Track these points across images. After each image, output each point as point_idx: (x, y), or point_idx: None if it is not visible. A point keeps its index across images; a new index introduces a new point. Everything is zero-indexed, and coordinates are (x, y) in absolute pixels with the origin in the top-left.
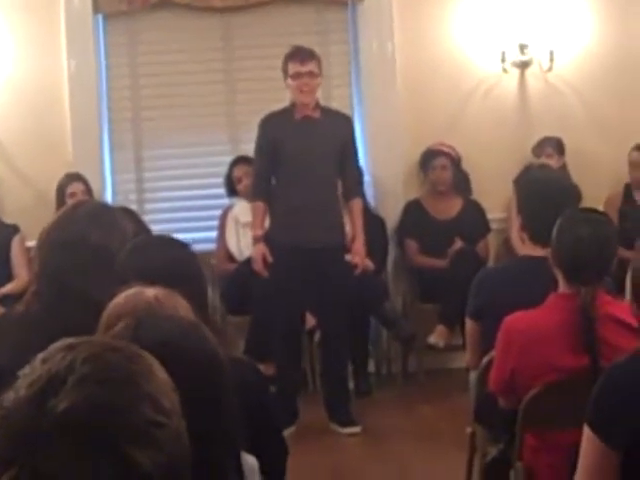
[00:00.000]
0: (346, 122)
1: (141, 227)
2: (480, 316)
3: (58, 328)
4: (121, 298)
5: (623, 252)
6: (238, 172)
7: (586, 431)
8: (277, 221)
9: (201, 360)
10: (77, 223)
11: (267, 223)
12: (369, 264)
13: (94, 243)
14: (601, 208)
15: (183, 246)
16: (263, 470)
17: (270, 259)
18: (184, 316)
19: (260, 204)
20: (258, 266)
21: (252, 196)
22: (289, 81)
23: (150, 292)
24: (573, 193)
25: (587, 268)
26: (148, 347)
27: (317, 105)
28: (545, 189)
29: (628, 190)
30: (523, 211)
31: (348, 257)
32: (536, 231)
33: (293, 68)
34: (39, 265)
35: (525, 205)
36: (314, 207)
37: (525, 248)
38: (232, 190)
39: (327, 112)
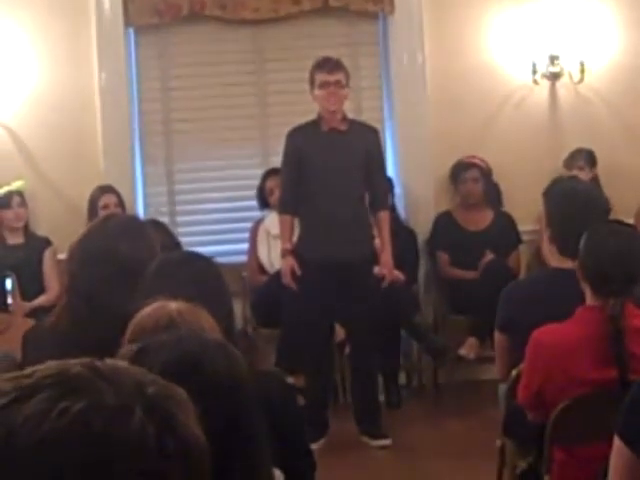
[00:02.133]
0: (373, 134)
1: (171, 240)
2: (508, 329)
3: (87, 342)
4: (145, 312)
5: None
6: (270, 184)
7: (616, 442)
8: (305, 234)
9: (219, 380)
10: (106, 236)
11: (296, 236)
12: (399, 275)
13: (123, 256)
14: (632, 221)
15: (207, 261)
16: None
17: (299, 272)
18: (207, 333)
19: (287, 217)
20: (287, 280)
21: (280, 210)
22: (316, 91)
23: (173, 306)
24: (602, 205)
25: (614, 281)
26: (168, 370)
27: (344, 117)
28: (573, 201)
29: None
30: (552, 224)
31: (376, 269)
32: (564, 244)
33: (320, 77)
34: (69, 278)
35: (554, 218)
36: (341, 220)
37: (554, 260)
38: (264, 202)
39: (353, 124)
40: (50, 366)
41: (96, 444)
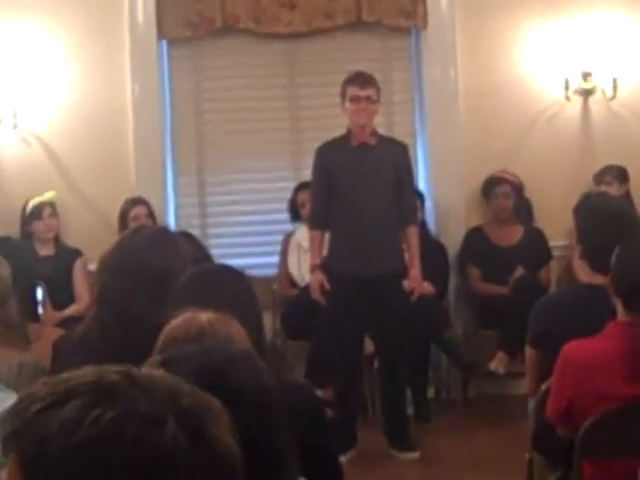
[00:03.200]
0: (402, 149)
1: (202, 251)
2: (539, 343)
3: (117, 352)
4: (175, 322)
5: None
6: (302, 197)
7: None
8: (334, 248)
9: (246, 392)
10: (138, 248)
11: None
12: (428, 288)
13: (153, 268)
14: None
15: (238, 273)
16: None
17: (328, 287)
18: (237, 344)
19: (317, 233)
20: (316, 294)
21: (310, 225)
22: (347, 105)
23: (204, 317)
24: (633, 220)
25: None
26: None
27: (373, 132)
28: (604, 217)
29: None
30: (582, 239)
31: (405, 283)
32: (595, 259)
33: (351, 92)
34: (99, 289)
35: (584, 233)
36: (371, 234)
37: (585, 276)
38: (296, 215)
39: (383, 139)
40: (87, 372)
41: (127, 453)
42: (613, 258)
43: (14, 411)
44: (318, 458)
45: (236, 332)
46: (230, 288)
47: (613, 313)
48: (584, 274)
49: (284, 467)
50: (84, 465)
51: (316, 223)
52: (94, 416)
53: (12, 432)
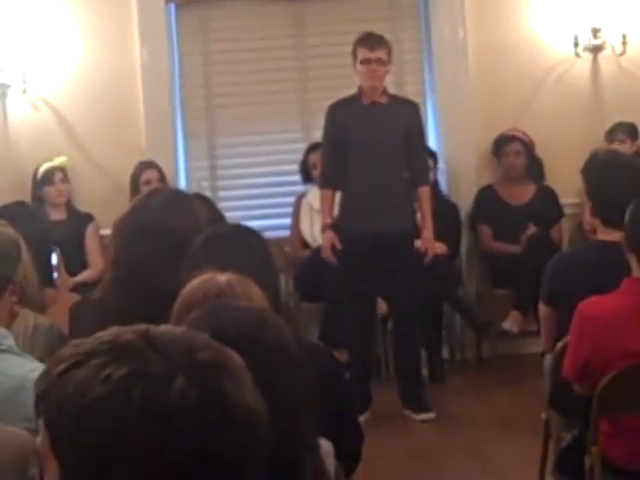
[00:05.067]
0: (413, 108)
1: (216, 214)
2: (554, 301)
3: (135, 314)
4: (193, 284)
5: None
6: (313, 158)
7: None
8: (345, 208)
9: (277, 350)
10: (153, 211)
11: (336, 210)
12: (442, 248)
13: (170, 230)
14: None
15: (255, 234)
16: (339, 454)
17: (339, 246)
18: (257, 305)
19: (328, 192)
20: (327, 254)
21: (320, 184)
22: (358, 66)
23: (222, 278)
24: None
25: None
26: (227, 339)
27: (384, 91)
28: (613, 172)
29: None
30: (593, 197)
31: (417, 244)
32: (608, 215)
33: (362, 54)
34: (115, 252)
35: (594, 191)
36: (382, 193)
37: (599, 233)
38: (307, 176)
39: (394, 98)
40: (107, 333)
41: (135, 411)
42: (627, 215)
43: (42, 374)
44: (340, 418)
45: (254, 293)
46: (247, 249)
47: (629, 269)
48: (598, 231)
49: (304, 425)
50: (96, 423)
51: (327, 182)
52: (104, 375)
53: (39, 395)
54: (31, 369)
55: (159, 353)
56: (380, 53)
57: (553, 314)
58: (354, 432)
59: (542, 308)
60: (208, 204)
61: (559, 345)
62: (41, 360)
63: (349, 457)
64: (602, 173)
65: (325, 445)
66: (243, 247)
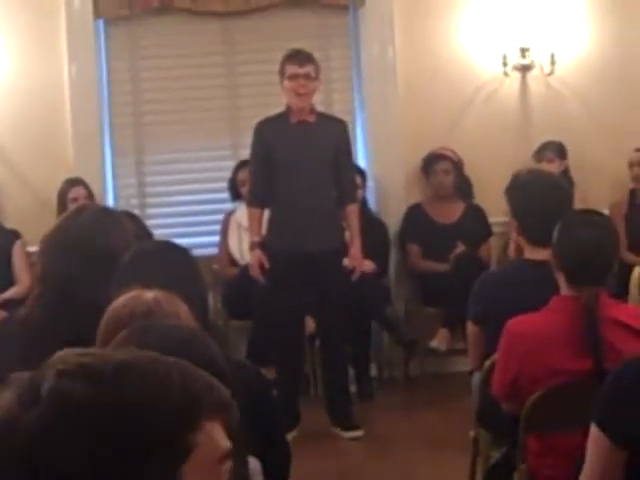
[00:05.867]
0: (341, 127)
1: (143, 231)
2: (481, 320)
3: (62, 332)
4: (120, 301)
5: (630, 257)
6: (242, 176)
7: (593, 431)
8: (273, 226)
9: (203, 366)
10: (81, 227)
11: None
12: (369, 265)
13: (98, 247)
14: (606, 212)
15: (183, 251)
16: (266, 473)
17: (267, 265)
18: (184, 322)
19: (256, 210)
20: (255, 272)
21: (248, 202)
22: (285, 83)
23: (149, 295)
24: (563, 191)
25: (589, 270)
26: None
27: (312, 109)
28: (536, 191)
29: (633, 195)
30: (518, 217)
31: (346, 262)
32: (533, 233)
33: (290, 69)
34: (42, 269)
35: (519, 210)
36: (310, 212)
37: (526, 252)
38: (236, 194)
39: (322, 117)
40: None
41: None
42: (554, 234)
43: None
44: (268, 436)
45: (182, 311)
46: (174, 265)
47: (555, 288)
48: (525, 250)
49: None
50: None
51: (255, 200)
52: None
53: None
54: None
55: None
56: (308, 69)
57: (481, 333)
58: (282, 450)
59: (470, 327)
60: (136, 221)
61: (487, 363)
62: None
63: (277, 475)
64: (525, 193)
65: (253, 463)
66: (171, 264)
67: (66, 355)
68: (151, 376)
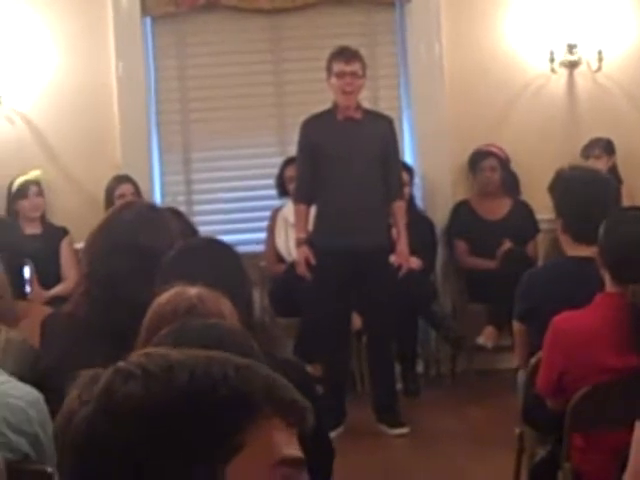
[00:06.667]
0: (387, 123)
1: (189, 228)
2: (527, 317)
3: (106, 329)
4: (163, 298)
5: None
6: (289, 172)
7: (638, 428)
8: (320, 224)
9: None
10: (124, 224)
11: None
12: (416, 262)
13: (141, 244)
14: None
15: (228, 248)
16: (310, 470)
17: (313, 262)
18: (227, 319)
19: (302, 207)
20: (301, 269)
21: (295, 199)
22: (332, 80)
23: (192, 291)
24: (609, 187)
25: (635, 266)
26: None
27: (359, 106)
28: (580, 188)
29: None
30: (562, 214)
31: (392, 258)
32: (578, 231)
33: (337, 67)
34: (87, 267)
35: (563, 207)
36: (356, 209)
37: (569, 250)
38: (283, 191)
39: (368, 113)
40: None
41: None
42: (601, 230)
43: None
44: (310, 435)
45: (226, 308)
46: (219, 262)
47: (600, 284)
48: (568, 248)
49: None
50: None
51: (301, 197)
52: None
53: None
54: (1, 382)
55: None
56: (355, 67)
57: (527, 331)
58: (325, 448)
59: (515, 325)
60: (181, 218)
61: (532, 360)
62: (12, 374)
63: (320, 473)
64: (568, 189)
65: None
66: (215, 260)
67: (132, 355)
68: (201, 374)
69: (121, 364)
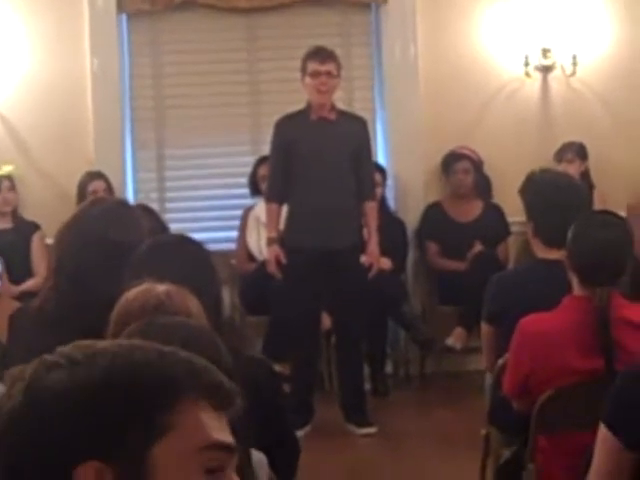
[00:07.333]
0: (361, 124)
1: (159, 225)
2: (495, 319)
3: (74, 324)
4: (132, 294)
5: None
6: (262, 171)
7: (602, 431)
8: (291, 223)
9: None
10: (94, 220)
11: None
12: (387, 263)
13: (111, 240)
14: (624, 214)
15: (198, 245)
16: (275, 468)
17: (284, 261)
18: (195, 317)
19: (274, 206)
20: (272, 268)
21: (267, 198)
22: (307, 80)
23: (161, 288)
24: (577, 191)
25: (602, 270)
26: None
27: (333, 107)
28: (550, 191)
29: None
30: (532, 217)
31: (363, 258)
32: (547, 234)
33: (312, 67)
34: (56, 261)
35: (533, 211)
36: (328, 208)
37: (540, 252)
38: (256, 189)
39: (342, 114)
40: None
41: None
42: (569, 234)
43: None
44: (274, 432)
45: (193, 306)
46: (189, 260)
47: (569, 288)
48: (538, 251)
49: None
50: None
51: (273, 196)
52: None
53: None
54: None
55: None
56: (330, 66)
57: (495, 333)
58: (290, 446)
59: (484, 327)
60: (152, 215)
61: (499, 362)
62: None
63: (284, 470)
64: (539, 193)
65: (258, 457)
66: (185, 257)
67: (60, 348)
68: (123, 358)
69: (46, 355)
